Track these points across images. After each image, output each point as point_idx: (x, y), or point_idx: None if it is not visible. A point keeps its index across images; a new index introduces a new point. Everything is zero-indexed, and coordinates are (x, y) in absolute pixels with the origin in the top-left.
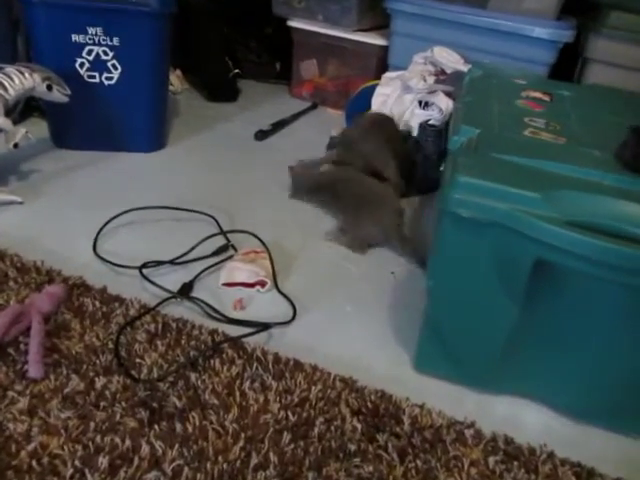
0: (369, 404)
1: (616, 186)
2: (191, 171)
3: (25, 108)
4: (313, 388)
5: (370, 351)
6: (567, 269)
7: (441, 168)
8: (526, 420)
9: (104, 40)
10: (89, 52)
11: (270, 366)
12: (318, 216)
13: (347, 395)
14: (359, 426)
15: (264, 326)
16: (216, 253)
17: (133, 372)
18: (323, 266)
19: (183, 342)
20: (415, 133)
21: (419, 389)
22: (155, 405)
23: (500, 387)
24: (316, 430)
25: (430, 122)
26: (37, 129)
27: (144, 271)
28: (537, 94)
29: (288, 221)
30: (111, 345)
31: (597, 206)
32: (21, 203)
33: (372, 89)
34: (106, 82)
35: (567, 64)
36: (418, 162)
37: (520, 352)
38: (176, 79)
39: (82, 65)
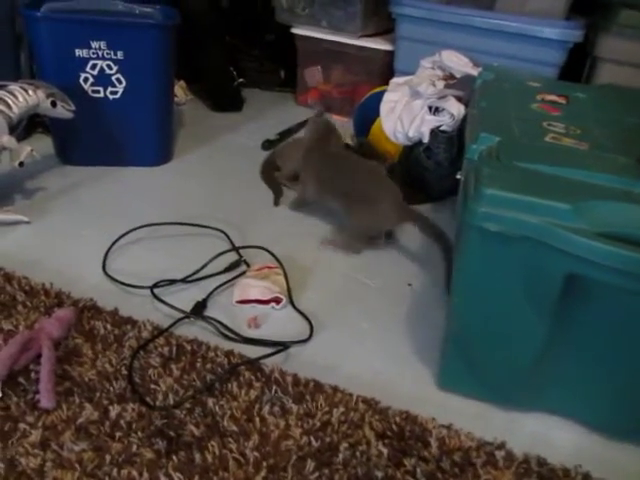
0: (394, 426)
1: None
2: (199, 184)
3: (29, 124)
4: (335, 411)
5: (391, 369)
6: (600, 282)
7: (458, 176)
8: (557, 438)
9: (108, 54)
10: (93, 66)
11: (290, 388)
12: (332, 228)
13: (371, 417)
14: (385, 450)
15: (282, 346)
16: (228, 269)
17: (148, 399)
18: (338, 279)
19: (198, 365)
20: (426, 139)
21: (445, 408)
22: (172, 434)
23: (528, 404)
24: (340, 456)
25: (441, 128)
26: (42, 145)
27: (156, 290)
28: (552, 97)
29: (301, 233)
30: (124, 371)
31: (629, 216)
32: (28, 222)
33: (379, 95)
34: (111, 96)
35: (575, 64)
36: (430, 169)
37: (550, 367)
38: (180, 90)
39: (86, 80)
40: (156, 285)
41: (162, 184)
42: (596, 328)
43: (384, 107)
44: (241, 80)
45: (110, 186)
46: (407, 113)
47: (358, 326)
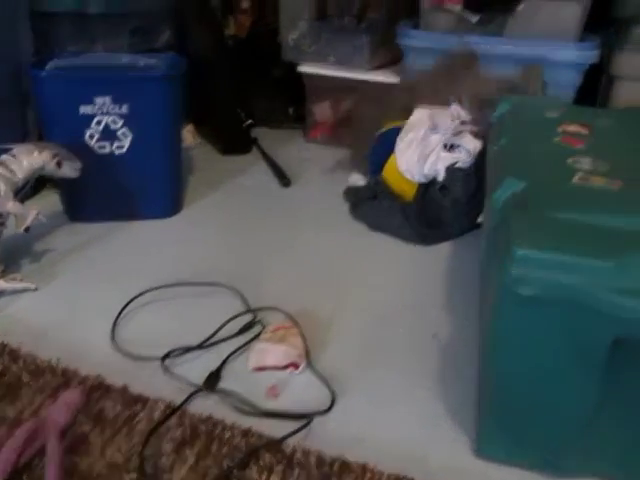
0: None
1: None
2: (210, 235)
3: (37, 181)
4: None
5: (423, 435)
6: None
7: (479, 219)
8: None
9: (113, 109)
10: (98, 122)
11: (314, 470)
12: (349, 277)
13: None
14: None
15: (304, 418)
16: (243, 331)
17: None
18: (358, 333)
19: (214, 449)
20: (441, 177)
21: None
22: None
23: (577, 469)
24: None
25: (457, 165)
26: (50, 202)
27: (167, 361)
28: (574, 127)
29: (318, 284)
30: (136, 459)
31: None
32: (35, 290)
33: (394, 132)
34: (117, 151)
35: (590, 82)
36: (447, 207)
37: (601, 431)
38: (188, 134)
39: (92, 136)
40: (167, 355)
41: (173, 237)
42: None
43: (400, 143)
44: (250, 122)
45: (120, 242)
46: (423, 148)
47: (384, 386)
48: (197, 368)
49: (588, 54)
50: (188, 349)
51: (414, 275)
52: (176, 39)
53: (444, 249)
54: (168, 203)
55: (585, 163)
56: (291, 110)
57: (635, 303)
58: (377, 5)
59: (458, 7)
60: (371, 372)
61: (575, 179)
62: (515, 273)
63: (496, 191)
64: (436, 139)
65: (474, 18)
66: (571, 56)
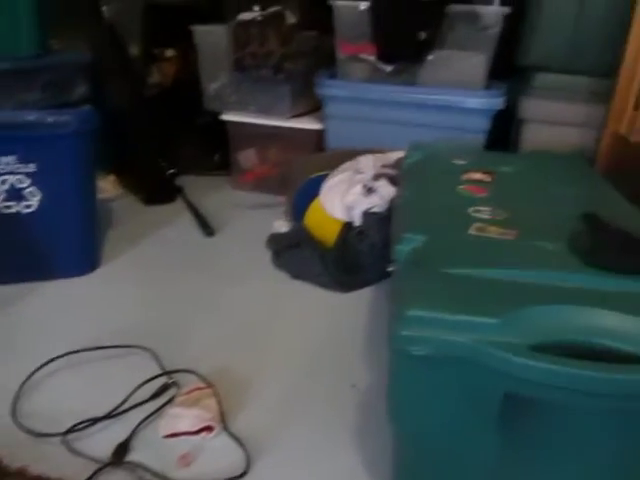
0: None
1: (578, 287)
2: (128, 292)
3: None
4: None
5: None
6: (539, 399)
7: (390, 268)
8: None
9: (18, 168)
10: (3, 182)
11: None
12: (269, 331)
13: None
14: None
15: None
16: (156, 395)
17: None
18: (277, 390)
19: None
20: (358, 222)
21: None
22: None
23: None
24: None
25: (373, 209)
26: None
27: (71, 436)
28: (478, 175)
29: (238, 339)
30: None
31: (562, 320)
32: None
33: (318, 180)
34: (24, 211)
35: (505, 125)
36: (364, 252)
37: None
38: (109, 185)
39: None
40: (71, 429)
41: (88, 297)
42: (546, 444)
43: (326, 184)
44: (173, 171)
45: (29, 306)
46: (347, 187)
47: (302, 444)
48: (105, 440)
49: (495, 101)
50: (95, 420)
51: (335, 324)
52: (93, 91)
53: (365, 295)
54: (83, 260)
55: (485, 212)
56: (217, 157)
57: (520, 359)
58: (295, 57)
59: (372, 57)
60: (289, 430)
61: (472, 230)
62: (406, 334)
63: (398, 245)
64: (358, 179)
65: (388, 68)
66: (479, 103)
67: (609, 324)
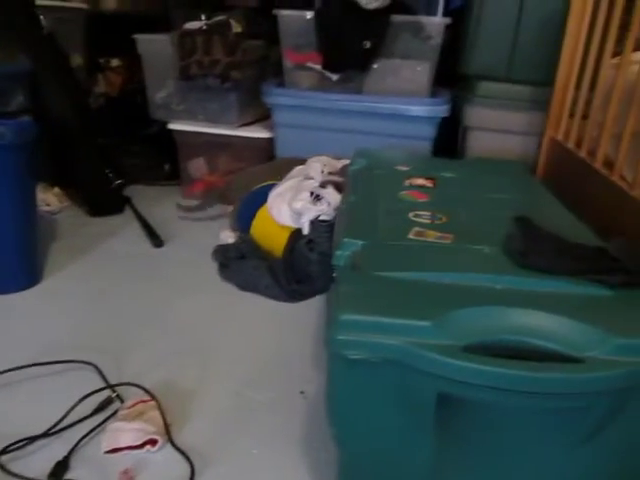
0: None
1: (509, 289)
2: (71, 307)
3: None
4: None
5: None
6: (471, 399)
7: (334, 274)
8: None
9: None
10: None
11: None
12: (216, 342)
13: None
14: None
15: None
16: (99, 410)
17: None
18: (224, 401)
19: None
20: (306, 231)
21: None
22: None
23: None
24: None
25: (321, 217)
26: None
27: (5, 457)
28: (420, 181)
29: (184, 352)
30: None
31: (494, 321)
32: None
33: (264, 190)
34: None
35: (454, 132)
36: (314, 261)
37: None
38: (53, 197)
39: None
40: (5, 450)
41: (26, 312)
42: (483, 442)
43: (273, 192)
44: (120, 181)
45: None
46: (295, 193)
47: (248, 456)
48: (43, 459)
49: (440, 108)
50: (33, 438)
51: (283, 333)
52: (32, 102)
53: (314, 304)
54: (22, 275)
55: (424, 217)
56: (167, 167)
57: (450, 360)
58: (241, 66)
59: (319, 66)
60: (235, 441)
61: (411, 234)
62: (341, 338)
63: (338, 251)
64: (307, 186)
65: (334, 76)
66: (424, 111)
67: (539, 324)
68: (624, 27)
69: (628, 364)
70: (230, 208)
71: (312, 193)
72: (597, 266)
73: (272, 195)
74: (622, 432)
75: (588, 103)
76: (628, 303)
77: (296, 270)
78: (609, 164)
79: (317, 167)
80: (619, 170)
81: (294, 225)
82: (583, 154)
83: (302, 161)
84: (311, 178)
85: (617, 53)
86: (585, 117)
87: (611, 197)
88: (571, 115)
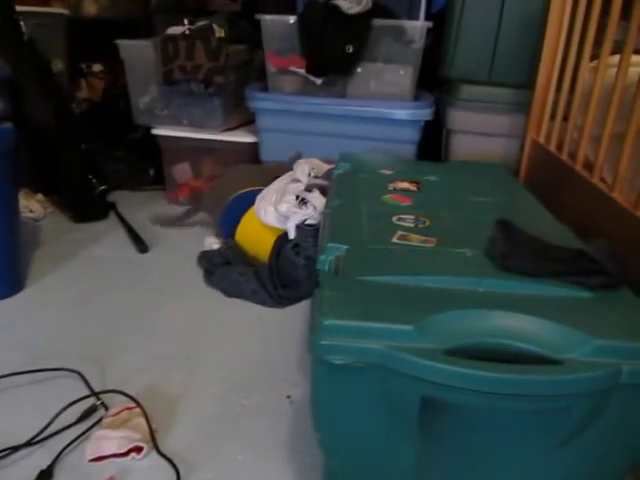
0: None
1: (491, 292)
2: (54, 314)
3: None
4: None
5: None
6: (456, 402)
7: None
8: None
9: None
10: None
11: None
12: (202, 348)
13: None
14: None
15: None
16: (83, 418)
17: None
18: (210, 406)
19: None
20: (292, 235)
21: None
22: None
23: None
24: None
25: (307, 222)
26: None
27: None
28: (404, 184)
29: (169, 358)
30: None
31: (475, 323)
32: None
33: (249, 195)
34: None
35: (437, 135)
36: (300, 265)
37: None
38: (37, 204)
39: None
40: None
41: (9, 320)
42: (464, 446)
43: (260, 195)
44: (103, 187)
45: None
46: (281, 195)
47: (233, 462)
48: (27, 468)
49: (423, 112)
50: (16, 448)
51: (270, 338)
52: (12, 108)
53: (300, 309)
54: (5, 283)
55: (408, 221)
56: (151, 172)
57: (432, 363)
58: (225, 70)
59: (302, 70)
60: (221, 446)
61: (394, 238)
62: (324, 343)
63: (321, 255)
64: (293, 189)
65: (318, 80)
66: (407, 114)
67: (520, 326)
68: (602, 30)
69: (608, 365)
70: (208, 215)
71: (297, 197)
72: (577, 268)
73: (259, 197)
74: (602, 433)
75: (568, 105)
76: (607, 305)
77: (282, 275)
78: (589, 166)
79: (305, 169)
80: (599, 172)
81: (280, 226)
82: (564, 156)
83: (281, 167)
84: (298, 180)
85: (595, 56)
86: (566, 119)
87: (591, 199)
88: (552, 117)
